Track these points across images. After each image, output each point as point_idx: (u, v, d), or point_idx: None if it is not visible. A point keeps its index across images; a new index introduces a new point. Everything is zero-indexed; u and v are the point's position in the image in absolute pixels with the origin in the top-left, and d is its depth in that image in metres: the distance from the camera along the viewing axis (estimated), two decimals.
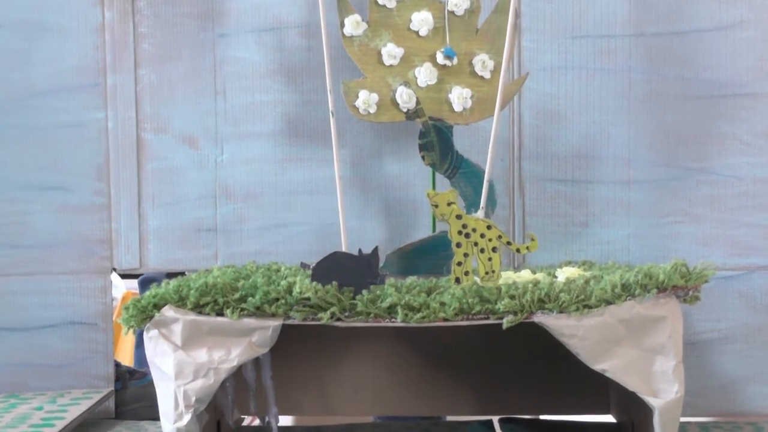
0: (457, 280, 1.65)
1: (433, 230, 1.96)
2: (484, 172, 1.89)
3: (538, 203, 2.04)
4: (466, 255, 1.65)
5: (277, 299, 1.61)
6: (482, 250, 1.65)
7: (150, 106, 2.05)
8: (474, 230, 1.65)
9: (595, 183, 2.03)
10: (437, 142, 1.91)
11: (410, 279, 1.77)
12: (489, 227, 1.66)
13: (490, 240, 1.65)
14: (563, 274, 1.79)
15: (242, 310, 1.60)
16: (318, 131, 2.04)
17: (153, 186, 2.05)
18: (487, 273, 1.66)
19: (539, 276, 1.79)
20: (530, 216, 2.04)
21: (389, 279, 1.70)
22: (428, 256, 1.92)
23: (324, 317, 1.59)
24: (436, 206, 1.65)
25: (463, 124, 1.91)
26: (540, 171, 2.04)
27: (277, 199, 2.05)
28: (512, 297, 1.60)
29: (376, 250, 1.63)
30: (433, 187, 1.96)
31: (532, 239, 1.68)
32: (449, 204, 1.65)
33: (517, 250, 1.68)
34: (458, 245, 1.66)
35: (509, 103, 1.97)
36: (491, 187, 1.89)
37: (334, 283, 1.60)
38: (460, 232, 1.65)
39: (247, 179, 2.05)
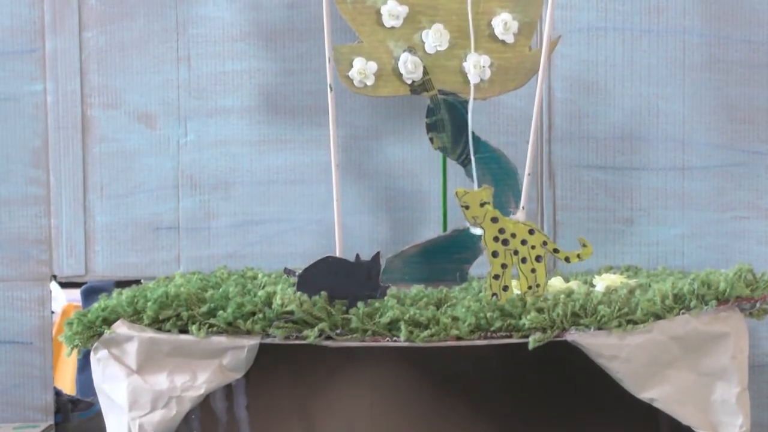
0: (495, 297, 1.64)
1: (444, 228, 1.96)
2: (505, 157, 1.90)
3: (572, 195, 2.04)
4: (504, 266, 1.64)
5: (254, 313, 1.60)
6: (524, 260, 1.64)
7: (98, 77, 2.04)
8: (513, 236, 1.64)
9: (641, 170, 2.03)
10: (449, 120, 1.91)
11: (416, 288, 1.77)
12: (531, 231, 1.65)
13: (533, 247, 1.64)
14: (602, 283, 1.79)
15: (211, 326, 1.60)
16: (303, 107, 2.04)
17: (101, 174, 2.05)
18: (530, 287, 1.65)
19: (573, 285, 1.79)
20: (562, 211, 2.04)
21: (391, 289, 1.69)
22: (438, 260, 1.92)
23: (310, 335, 1.58)
24: (467, 207, 1.63)
25: (480, 99, 1.90)
26: (574, 155, 2.04)
27: (253, 190, 2.05)
28: (540, 310, 1.60)
29: (377, 256, 1.62)
30: (444, 176, 1.96)
31: (584, 245, 1.67)
32: (482, 204, 1.63)
33: (566, 259, 1.67)
34: (494, 254, 1.64)
35: (536, 74, 1.93)
36: (513, 174, 1.89)
37: (323, 293, 1.60)
38: (496, 239, 1.64)
39: (216, 165, 2.05)
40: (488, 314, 1.60)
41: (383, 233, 2.05)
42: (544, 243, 1.65)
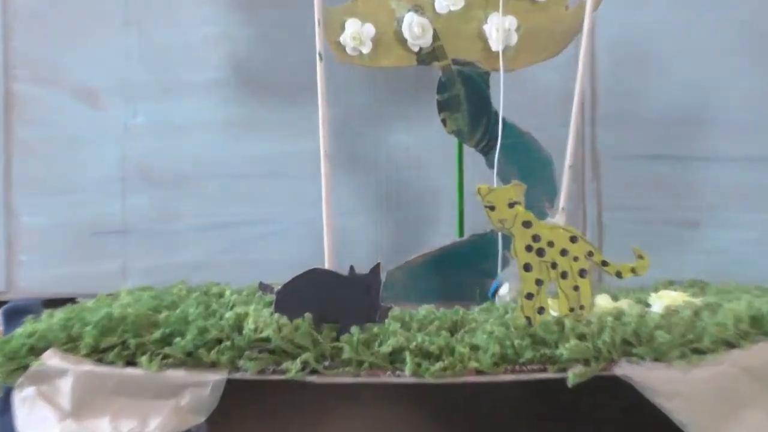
0: (528, 322, 1.63)
1: (460, 233, 1.95)
2: (537, 144, 1.89)
3: (621, 191, 2.05)
4: (539, 282, 1.63)
5: (220, 341, 1.58)
6: (564, 275, 1.63)
7: (26, 44, 2.06)
8: (551, 244, 1.62)
9: (706, 160, 2.05)
10: (465, 97, 1.89)
11: (425, 309, 1.75)
12: (573, 239, 1.63)
13: (575, 259, 1.63)
14: (660, 302, 1.76)
15: (166, 357, 1.57)
16: (284, 82, 2.05)
17: (30, 165, 2.06)
18: (572, 309, 1.64)
19: (623, 304, 1.76)
20: (609, 211, 2.05)
21: (393, 310, 1.68)
22: (453, 273, 1.91)
23: (292, 369, 1.55)
24: (492, 208, 1.61)
25: (506, 71, 1.88)
26: (623, 142, 2.04)
27: (221, 185, 2.07)
28: (582, 337, 1.57)
29: (376, 268, 1.60)
30: (459, 166, 1.94)
31: (640, 256, 1.65)
32: (512, 204, 1.62)
33: (618, 274, 1.65)
34: (527, 268, 1.63)
35: (574, 40, 1.93)
36: (546, 165, 1.87)
37: (308, 315, 1.57)
38: (529, 248, 1.63)
39: (174, 154, 2.06)
40: (516, 342, 1.56)
41: (384, 239, 2.05)
42: (590, 253, 1.62)
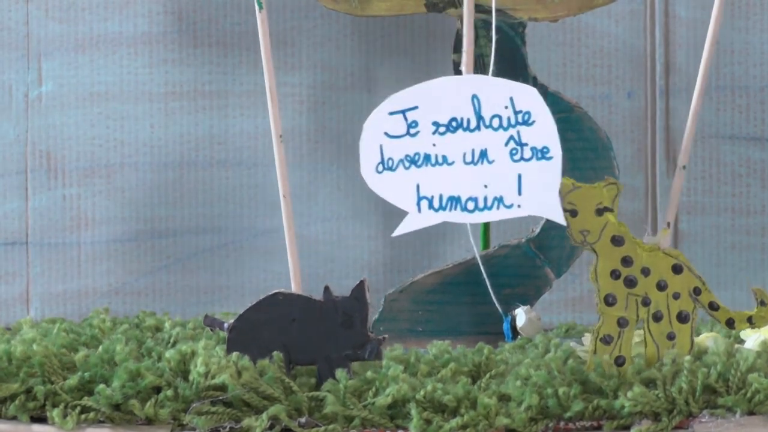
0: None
1: (485, 244, 1.99)
2: (592, 122, 1.91)
3: (707, 186, 2.06)
4: (623, 323, 1.64)
5: (159, 389, 1.61)
6: (657, 316, 1.65)
7: None
8: (646, 272, 1.64)
9: None
10: (492, 58, 1.87)
11: (437, 345, 1.77)
12: (677, 269, 1.64)
13: (676, 296, 1.64)
14: (757, 336, 1.79)
15: (86, 410, 1.60)
16: (240, 36, 2.08)
17: None
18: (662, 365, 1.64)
19: (707, 339, 1.79)
20: (687, 214, 2.07)
21: (392, 348, 1.71)
22: (474, 299, 1.94)
23: (256, 427, 1.57)
24: (574, 213, 1.62)
25: (548, 20, 1.91)
26: (710, 119, 2.05)
27: (155, 179, 2.09)
28: (650, 383, 1.60)
29: (360, 289, 1.63)
30: None
31: (763, 302, 1.66)
32: (601, 211, 1.63)
33: (728, 323, 1.67)
34: (609, 301, 1.64)
35: None
36: (604, 150, 1.90)
37: (279, 355, 1.61)
38: (616, 274, 1.64)
39: (91, 136, 2.08)
40: (561, 390, 1.59)
41: (379, 252, 2.08)
42: (697, 291, 1.64)
